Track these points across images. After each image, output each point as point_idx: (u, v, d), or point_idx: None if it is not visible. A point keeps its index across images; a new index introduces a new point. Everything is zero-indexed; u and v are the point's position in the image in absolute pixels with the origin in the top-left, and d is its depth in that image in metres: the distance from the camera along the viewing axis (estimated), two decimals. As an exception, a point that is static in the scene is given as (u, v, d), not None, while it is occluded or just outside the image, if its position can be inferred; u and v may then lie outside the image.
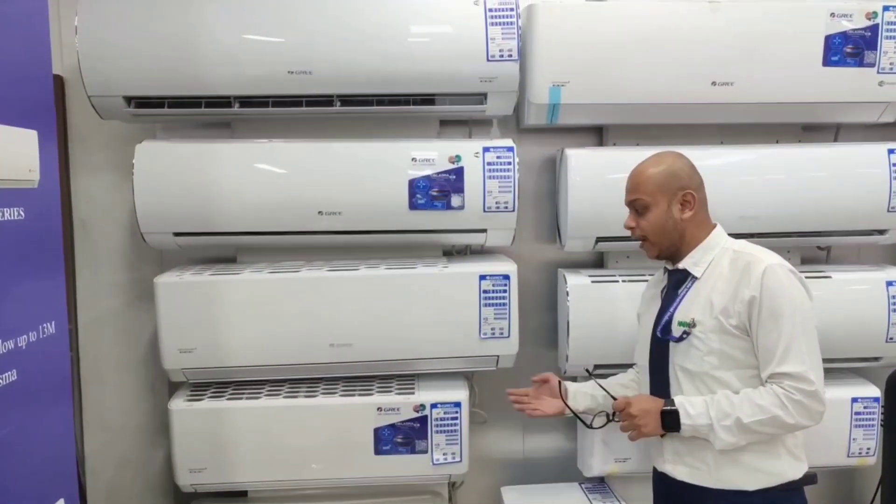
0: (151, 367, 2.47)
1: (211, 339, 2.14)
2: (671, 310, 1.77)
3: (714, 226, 1.80)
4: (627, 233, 2.21)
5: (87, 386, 2.48)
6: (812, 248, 2.55)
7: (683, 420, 1.67)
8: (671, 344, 1.76)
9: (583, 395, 1.98)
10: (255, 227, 2.19)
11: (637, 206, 1.78)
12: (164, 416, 2.21)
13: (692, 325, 1.71)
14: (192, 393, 2.24)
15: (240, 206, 2.16)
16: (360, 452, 2.20)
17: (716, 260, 1.76)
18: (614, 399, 1.78)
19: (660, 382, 1.79)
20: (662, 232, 1.77)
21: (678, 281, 1.80)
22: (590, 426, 1.96)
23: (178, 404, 2.18)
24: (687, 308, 1.75)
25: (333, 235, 2.22)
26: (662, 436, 1.76)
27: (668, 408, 1.69)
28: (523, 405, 1.98)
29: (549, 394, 1.99)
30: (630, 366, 2.08)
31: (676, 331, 1.74)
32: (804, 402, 1.61)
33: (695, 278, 1.76)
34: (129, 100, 2.13)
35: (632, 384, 2.00)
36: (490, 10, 2.11)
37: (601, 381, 1.95)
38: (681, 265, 1.79)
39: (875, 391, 2.36)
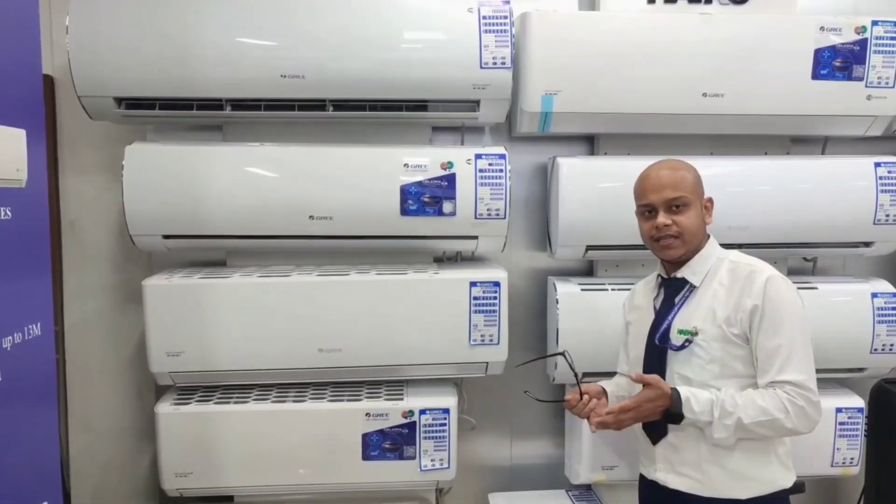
0: (138, 370, 2.45)
1: (199, 343, 2.12)
2: (669, 318, 1.77)
3: (708, 236, 1.82)
4: (617, 241, 2.26)
5: (73, 388, 2.46)
6: (798, 259, 2.57)
7: (687, 414, 1.65)
8: (670, 352, 1.76)
9: (612, 396, 1.93)
10: (246, 230, 2.18)
11: (678, 203, 1.73)
12: (151, 419, 2.20)
13: (694, 333, 1.72)
14: (179, 396, 2.22)
15: (230, 209, 2.15)
16: (348, 458, 2.19)
17: (713, 269, 1.77)
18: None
19: None
20: (697, 232, 1.76)
21: (675, 289, 1.80)
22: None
23: (165, 408, 2.16)
24: (687, 316, 1.75)
25: (324, 240, 2.21)
26: (654, 443, 1.77)
27: (674, 410, 1.66)
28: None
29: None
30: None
31: (677, 339, 1.74)
32: (806, 410, 1.63)
33: (693, 287, 1.77)
34: (119, 101, 2.12)
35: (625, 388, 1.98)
36: (484, 17, 2.11)
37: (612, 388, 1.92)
38: (679, 273, 1.79)
39: (859, 402, 2.38)
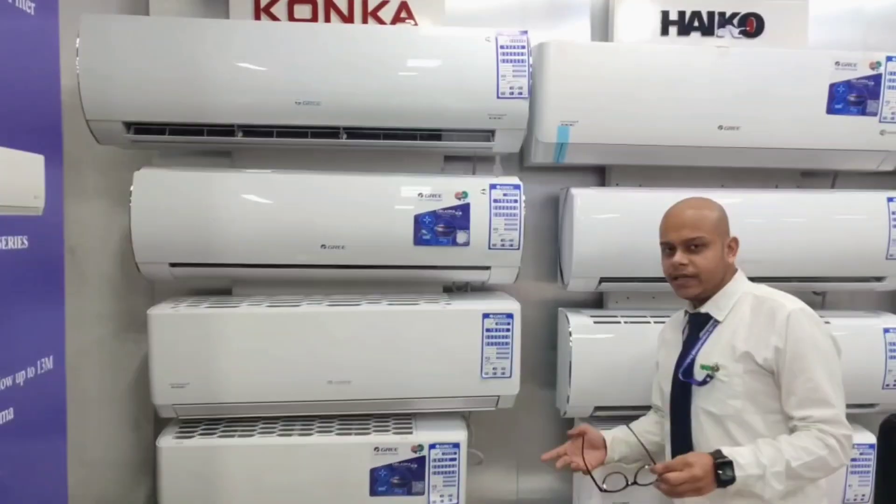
0: (136, 400, 2.38)
1: (205, 375, 2.06)
2: (693, 353, 1.77)
3: (735, 270, 1.81)
4: (631, 273, 2.24)
5: (70, 419, 2.36)
6: (808, 294, 2.56)
7: (737, 472, 1.57)
8: (694, 387, 1.75)
9: (619, 441, 1.94)
10: (256, 259, 2.12)
11: (696, 243, 1.75)
12: (148, 452, 2.12)
13: (715, 368, 1.71)
14: (182, 430, 2.15)
15: (240, 237, 2.10)
16: (355, 493, 2.13)
17: (737, 304, 1.76)
18: (653, 462, 1.71)
19: (681, 425, 1.78)
20: (715, 272, 1.77)
21: (699, 324, 1.80)
22: (601, 488, 1.81)
23: (168, 441, 2.09)
24: (709, 352, 1.75)
25: (335, 269, 2.16)
26: None
27: (721, 460, 1.58)
28: (565, 461, 1.89)
29: (589, 446, 1.92)
30: (644, 408, 2.06)
31: (699, 374, 1.74)
32: (844, 445, 1.60)
33: (716, 322, 1.77)
34: (128, 125, 2.07)
35: (657, 430, 1.96)
36: (501, 47, 2.10)
37: (635, 429, 1.92)
38: (703, 309, 1.79)
39: (871, 438, 2.36)
